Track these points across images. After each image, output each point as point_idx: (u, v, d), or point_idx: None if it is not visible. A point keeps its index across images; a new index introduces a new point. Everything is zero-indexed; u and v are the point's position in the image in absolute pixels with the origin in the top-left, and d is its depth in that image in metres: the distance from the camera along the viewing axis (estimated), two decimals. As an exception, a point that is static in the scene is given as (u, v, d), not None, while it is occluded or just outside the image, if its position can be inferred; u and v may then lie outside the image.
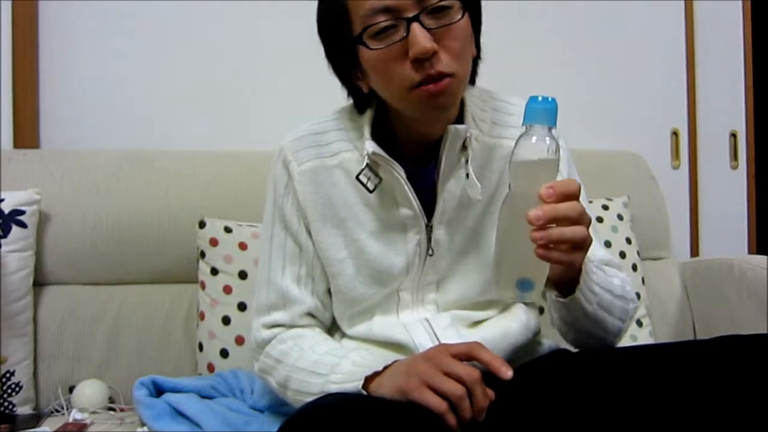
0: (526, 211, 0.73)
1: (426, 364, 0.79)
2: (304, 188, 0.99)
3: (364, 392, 0.83)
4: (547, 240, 0.73)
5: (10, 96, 1.64)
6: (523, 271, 0.77)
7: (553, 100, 0.75)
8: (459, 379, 0.77)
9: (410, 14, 0.84)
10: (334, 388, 0.86)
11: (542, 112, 0.75)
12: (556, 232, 0.73)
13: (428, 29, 0.84)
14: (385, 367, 0.84)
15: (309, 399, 0.88)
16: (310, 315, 1.02)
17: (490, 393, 0.78)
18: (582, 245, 0.77)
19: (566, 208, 0.74)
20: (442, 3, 0.85)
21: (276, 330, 1.01)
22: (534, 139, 0.74)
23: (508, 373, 0.77)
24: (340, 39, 0.91)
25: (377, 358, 0.88)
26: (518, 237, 0.74)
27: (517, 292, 0.77)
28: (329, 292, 1.03)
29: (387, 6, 0.84)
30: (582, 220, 0.76)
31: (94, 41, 1.70)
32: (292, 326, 1.01)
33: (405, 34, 0.84)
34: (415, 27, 0.83)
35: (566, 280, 0.84)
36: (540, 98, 0.76)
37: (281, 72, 1.77)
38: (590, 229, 1.01)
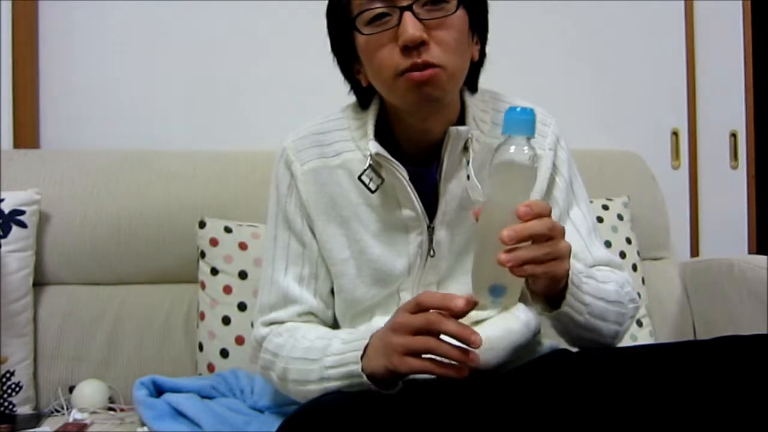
0: (502, 219, 0.75)
1: (395, 336, 0.79)
2: (308, 188, 0.99)
3: (364, 375, 0.82)
4: (515, 262, 0.73)
5: (10, 96, 1.64)
6: (495, 278, 0.78)
7: (532, 110, 0.76)
8: (424, 331, 0.77)
9: (404, 3, 0.85)
10: (332, 373, 0.86)
11: (520, 122, 0.76)
12: (524, 253, 0.74)
13: (420, 19, 0.85)
14: (367, 345, 0.84)
15: (310, 387, 0.88)
16: (311, 314, 1.02)
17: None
18: (554, 257, 0.77)
19: (538, 226, 0.74)
20: None
21: (274, 327, 1.01)
22: (513, 148, 0.75)
23: (458, 303, 0.76)
24: (340, 27, 0.93)
25: (365, 332, 0.87)
26: (493, 244, 0.74)
27: (490, 298, 0.78)
28: (332, 292, 1.03)
29: None
30: (553, 233, 0.76)
31: (94, 41, 1.70)
32: (289, 322, 1.01)
33: (397, 22, 0.86)
34: (407, 15, 0.85)
35: (553, 293, 0.84)
36: (519, 109, 0.77)
37: (281, 72, 1.77)
38: (587, 232, 1.02)
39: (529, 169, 0.76)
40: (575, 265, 0.85)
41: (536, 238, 0.75)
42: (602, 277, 0.92)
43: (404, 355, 0.78)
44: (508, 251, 0.74)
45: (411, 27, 0.84)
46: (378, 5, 0.87)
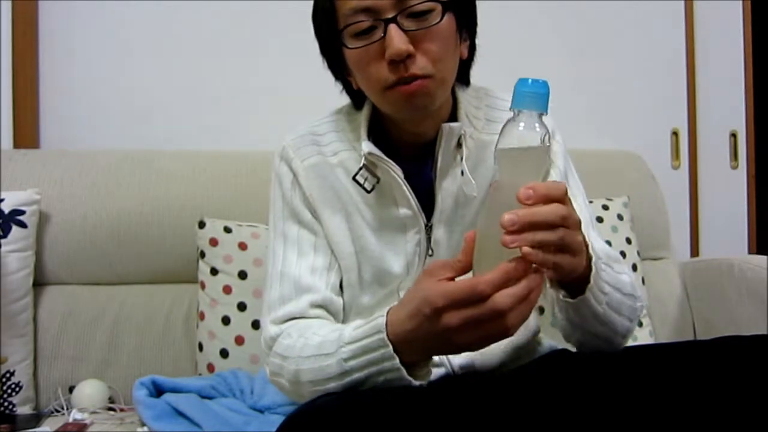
0: (507, 203, 0.67)
1: (443, 321, 0.70)
2: (310, 183, 0.99)
3: (396, 358, 0.75)
4: (519, 243, 0.66)
5: (10, 96, 1.65)
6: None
7: (545, 83, 0.68)
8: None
9: (389, 15, 0.85)
10: (353, 364, 0.79)
11: (531, 96, 0.67)
12: (529, 236, 0.66)
13: (406, 31, 0.85)
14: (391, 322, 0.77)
15: (329, 386, 0.82)
16: (322, 307, 0.98)
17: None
18: (566, 249, 0.71)
19: (546, 212, 0.67)
20: (422, 6, 0.85)
21: (284, 325, 0.95)
22: (522, 126, 0.67)
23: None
24: (328, 36, 0.93)
25: (376, 314, 0.81)
26: (498, 231, 0.66)
27: None
28: (342, 287, 1.01)
29: (367, 6, 0.86)
30: (566, 223, 0.69)
31: (94, 41, 1.70)
32: (301, 317, 0.96)
33: (383, 35, 0.85)
34: (392, 28, 0.84)
35: (573, 280, 0.80)
36: (530, 81, 0.67)
37: (281, 72, 1.77)
38: (586, 226, 1.01)
39: (541, 149, 0.67)
40: (594, 247, 0.80)
41: (543, 227, 0.67)
42: (617, 267, 0.88)
43: (462, 345, 0.72)
44: (513, 232, 0.66)
45: (396, 41, 0.84)
46: (363, 19, 0.86)
